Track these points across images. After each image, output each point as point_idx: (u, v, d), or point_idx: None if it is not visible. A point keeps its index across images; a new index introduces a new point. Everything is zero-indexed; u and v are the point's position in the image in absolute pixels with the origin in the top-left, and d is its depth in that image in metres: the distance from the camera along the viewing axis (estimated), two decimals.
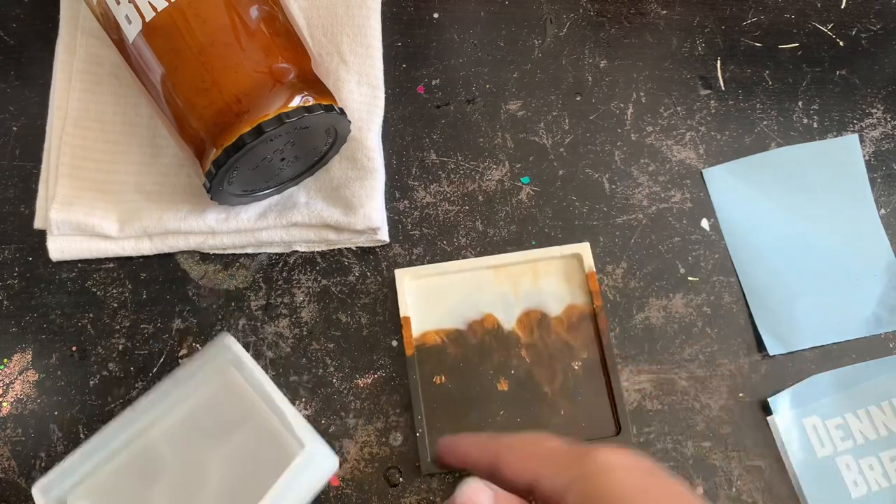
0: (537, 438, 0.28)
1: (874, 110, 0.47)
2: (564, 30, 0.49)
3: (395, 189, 0.45)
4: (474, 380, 0.41)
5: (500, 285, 0.43)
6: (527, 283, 0.43)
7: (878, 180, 0.46)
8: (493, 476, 0.28)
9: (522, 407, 0.41)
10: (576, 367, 0.41)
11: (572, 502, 0.25)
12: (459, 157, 0.46)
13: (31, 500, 0.40)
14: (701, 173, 0.46)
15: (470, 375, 0.41)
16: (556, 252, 0.43)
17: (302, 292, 0.43)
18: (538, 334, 0.42)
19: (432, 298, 0.43)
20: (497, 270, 0.43)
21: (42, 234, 0.43)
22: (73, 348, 0.42)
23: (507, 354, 0.42)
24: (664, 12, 0.49)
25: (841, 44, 0.49)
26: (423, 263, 0.44)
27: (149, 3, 0.37)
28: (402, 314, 0.42)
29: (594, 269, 0.43)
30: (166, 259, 0.44)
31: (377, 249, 0.44)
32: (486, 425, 0.40)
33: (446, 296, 0.43)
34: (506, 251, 0.44)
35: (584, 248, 0.43)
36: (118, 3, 0.38)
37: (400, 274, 0.43)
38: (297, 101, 0.37)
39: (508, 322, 0.42)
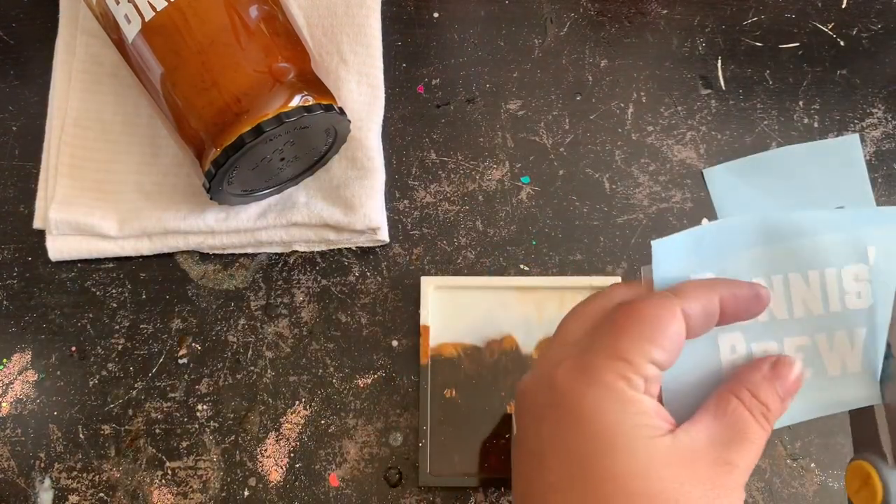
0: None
1: (875, 110, 0.47)
2: (565, 29, 0.49)
3: (395, 189, 0.45)
4: (485, 399, 0.41)
5: (525, 307, 0.42)
6: (551, 310, 0.42)
7: (879, 180, 0.46)
8: None
9: None
10: None
11: None
12: (459, 157, 0.46)
13: (31, 500, 0.40)
14: (701, 173, 0.46)
15: (481, 394, 0.41)
16: (586, 282, 0.42)
17: (302, 292, 0.43)
18: None
19: (454, 311, 0.42)
20: (523, 292, 0.42)
21: (41, 234, 0.43)
22: (73, 348, 0.42)
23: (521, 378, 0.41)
24: (664, 12, 0.49)
25: (842, 43, 0.48)
26: (423, 263, 0.44)
27: (148, 2, 0.37)
28: (421, 322, 0.41)
29: None
30: (166, 259, 0.44)
31: (377, 249, 0.44)
32: (490, 445, 0.40)
33: (469, 310, 0.42)
34: (506, 251, 0.44)
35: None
36: (118, 2, 0.38)
37: (425, 282, 0.42)
38: (296, 101, 0.37)
39: (527, 346, 0.42)
